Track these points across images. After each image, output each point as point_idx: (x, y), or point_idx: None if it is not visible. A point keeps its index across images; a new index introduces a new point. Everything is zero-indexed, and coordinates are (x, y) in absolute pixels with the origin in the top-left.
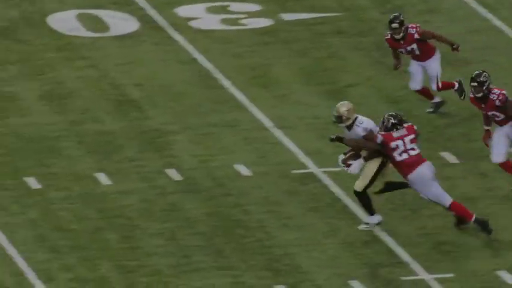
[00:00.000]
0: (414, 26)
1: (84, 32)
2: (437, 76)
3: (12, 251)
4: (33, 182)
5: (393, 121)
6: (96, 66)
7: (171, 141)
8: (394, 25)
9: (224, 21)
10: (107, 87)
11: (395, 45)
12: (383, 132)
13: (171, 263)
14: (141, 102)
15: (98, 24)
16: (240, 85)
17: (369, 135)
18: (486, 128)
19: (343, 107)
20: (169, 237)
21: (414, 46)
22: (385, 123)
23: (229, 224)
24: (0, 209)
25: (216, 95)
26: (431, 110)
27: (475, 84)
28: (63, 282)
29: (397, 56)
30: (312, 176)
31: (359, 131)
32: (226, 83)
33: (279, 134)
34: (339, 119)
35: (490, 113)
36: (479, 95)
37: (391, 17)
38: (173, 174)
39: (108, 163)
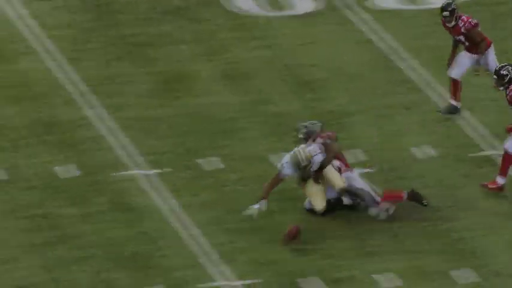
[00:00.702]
0: (465, 19)
1: (259, 12)
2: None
3: (188, 233)
4: (207, 164)
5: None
6: (272, 47)
7: (346, 123)
8: (445, 13)
9: (402, 0)
10: (283, 68)
11: (447, 29)
12: None
13: (346, 246)
14: (317, 83)
15: (274, 4)
16: (417, 66)
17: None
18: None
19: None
20: (344, 221)
21: (462, 38)
22: None
23: (403, 207)
24: (174, 190)
25: (392, 77)
26: (441, 110)
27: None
28: (241, 264)
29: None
30: (489, 160)
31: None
32: (402, 64)
33: (454, 116)
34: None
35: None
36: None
37: (444, 3)
38: (347, 156)
39: (283, 145)
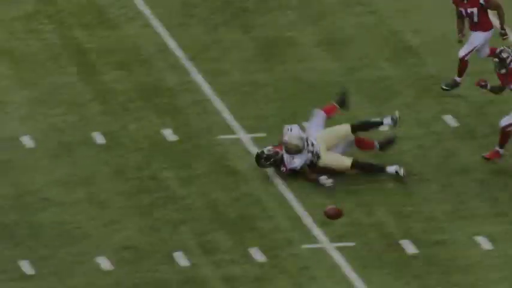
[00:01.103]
0: None
1: None
2: (474, 48)
3: (288, 195)
4: None
5: None
6: (375, 13)
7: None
8: None
9: None
10: (386, 34)
11: (458, 2)
12: None
13: (447, 209)
14: (419, 49)
15: None
16: None
17: None
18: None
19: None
20: (445, 184)
21: (475, 10)
22: None
23: (504, 172)
24: None
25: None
26: (445, 85)
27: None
28: (340, 226)
29: (461, 23)
30: None
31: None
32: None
33: None
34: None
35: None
36: (503, 71)
37: None
38: (450, 120)
39: (385, 109)
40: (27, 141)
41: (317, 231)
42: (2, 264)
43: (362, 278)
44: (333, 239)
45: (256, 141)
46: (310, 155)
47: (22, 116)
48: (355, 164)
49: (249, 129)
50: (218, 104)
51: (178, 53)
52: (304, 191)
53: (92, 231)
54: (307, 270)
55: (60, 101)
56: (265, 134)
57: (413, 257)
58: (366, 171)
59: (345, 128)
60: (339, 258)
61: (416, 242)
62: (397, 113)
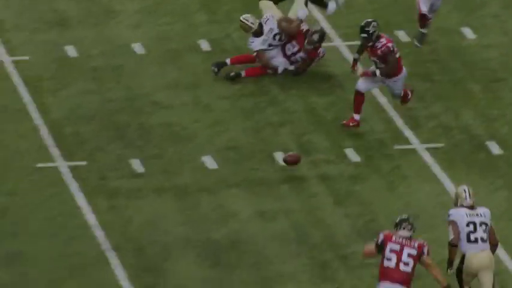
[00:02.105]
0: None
1: None
2: None
3: (381, 99)
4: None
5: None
6: None
7: None
8: (363, 35)
9: None
10: None
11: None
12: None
13: None
14: None
15: None
16: None
17: None
18: (355, 56)
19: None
20: None
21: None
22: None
23: None
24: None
25: None
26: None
27: (365, 35)
28: (428, 129)
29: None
30: None
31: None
32: None
33: None
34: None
35: (372, 58)
36: (369, 44)
37: (363, 22)
38: None
39: (472, 18)
40: (137, 48)
41: (408, 133)
42: (114, 163)
43: (450, 177)
44: (423, 140)
45: (351, 48)
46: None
47: (133, 24)
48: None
49: (344, 37)
50: (315, 13)
51: None
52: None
53: (198, 132)
54: (399, 169)
55: (169, 10)
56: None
57: (499, 157)
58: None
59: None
60: (428, 159)
61: (501, 143)
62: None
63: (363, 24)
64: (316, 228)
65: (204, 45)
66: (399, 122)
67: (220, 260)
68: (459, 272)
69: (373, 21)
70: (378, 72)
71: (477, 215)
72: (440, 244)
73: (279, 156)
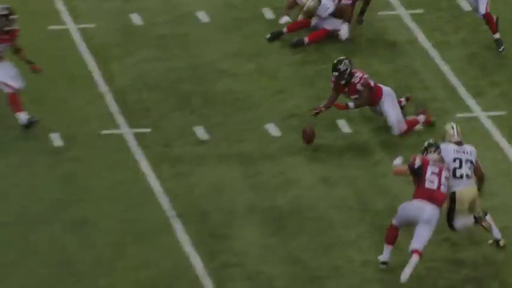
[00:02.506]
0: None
1: None
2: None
3: (443, 67)
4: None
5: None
6: None
7: None
8: (334, 73)
9: None
10: None
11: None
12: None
13: None
14: None
15: None
16: None
17: None
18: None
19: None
20: None
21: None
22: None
23: None
24: (436, 28)
25: None
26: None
27: (336, 73)
28: (491, 97)
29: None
30: None
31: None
32: None
33: None
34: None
35: (353, 97)
36: (343, 82)
37: (335, 61)
38: None
39: None
40: (202, 16)
41: (471, 101)
42: (179, 131)
43: (511, 144)
44: (486, 108)
45: (414, 17)
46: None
47: None
48: None
49: (408, 6)
50: None
51: None
52: (458, 64)
53: (262, 100)
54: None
55: None
56: (423, 10)
57: None
58: None
59: None
60: (490, 126)
61: None
62: None
63: (334, 62)
64: (379, 195)
65: (268, 14)
66: (461, 90)
67: (283, 227)
68: (450, 211)
69: (345, 59)
70: (351, 104)
71: (464, 152)
72: (502, 211)
73: (342, 124)
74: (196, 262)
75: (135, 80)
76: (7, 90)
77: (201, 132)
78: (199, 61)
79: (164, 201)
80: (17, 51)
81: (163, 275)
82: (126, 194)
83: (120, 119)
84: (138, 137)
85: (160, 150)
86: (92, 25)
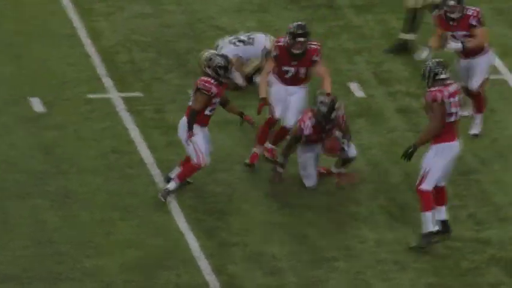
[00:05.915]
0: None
1: None
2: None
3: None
4: None
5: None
6: None
7: None
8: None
9: None
10: None
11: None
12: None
13: None
14: None
15: None
16: None
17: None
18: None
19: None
20: None
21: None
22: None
23: None
24: None
25: None
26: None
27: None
28: None
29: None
30: None
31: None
32: None
33: None
34: None
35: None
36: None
37: None
38: None
39: None
40: None
41: (497, 62)
42: (173, 94)
43: None
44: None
45: None
46: None
47: None
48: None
49: None
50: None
51: None
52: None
53: None
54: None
55: None
56: None
57: None
58: None
59: None
60: None
61: None
62: None
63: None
64: (395, 166)
65: None
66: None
67: (288, 202)
68: None
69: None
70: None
71: None
72: None
73: (354, 87)
74: (192, 241)
75: (125, 39)
76: (194, 160)
77: None
78: (196, 17)
79: (156, 173)
80: (226, 103)
81: (154, 256)
82: (114, 165)
83: (108, 82)
84: (128, 101)
85: (152, 116)
86: None
